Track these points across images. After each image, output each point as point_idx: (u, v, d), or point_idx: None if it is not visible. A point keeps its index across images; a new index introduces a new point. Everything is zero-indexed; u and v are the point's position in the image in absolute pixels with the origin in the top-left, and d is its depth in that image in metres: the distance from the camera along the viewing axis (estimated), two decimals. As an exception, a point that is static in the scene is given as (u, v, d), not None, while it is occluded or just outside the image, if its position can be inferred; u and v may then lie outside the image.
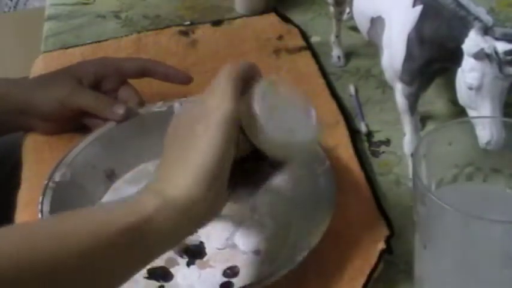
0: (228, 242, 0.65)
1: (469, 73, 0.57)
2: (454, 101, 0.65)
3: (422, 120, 0.74)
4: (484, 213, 0.46)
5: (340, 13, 0.85)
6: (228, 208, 0.67)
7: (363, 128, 0.78)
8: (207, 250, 0.65)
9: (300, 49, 0.90)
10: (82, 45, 0.93)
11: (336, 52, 0.88)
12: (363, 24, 0.71)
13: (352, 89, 0.83)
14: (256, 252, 0.64)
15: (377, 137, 0.77)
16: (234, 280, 0.62)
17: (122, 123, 0.73)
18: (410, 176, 0.67)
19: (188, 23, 0.97)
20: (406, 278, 0.60)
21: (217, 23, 0.97)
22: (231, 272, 0.62)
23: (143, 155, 0.71)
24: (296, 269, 0.58)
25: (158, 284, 0.62)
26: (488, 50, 0.55)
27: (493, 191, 0.54)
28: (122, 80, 0.78)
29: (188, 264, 0.63)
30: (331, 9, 0.85)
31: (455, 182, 0.54)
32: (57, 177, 0.67)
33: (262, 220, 0.67)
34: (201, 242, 0.65)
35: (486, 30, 0.57)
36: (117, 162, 0.72)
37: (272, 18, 0.97)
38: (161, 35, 0.94)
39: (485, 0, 0.88)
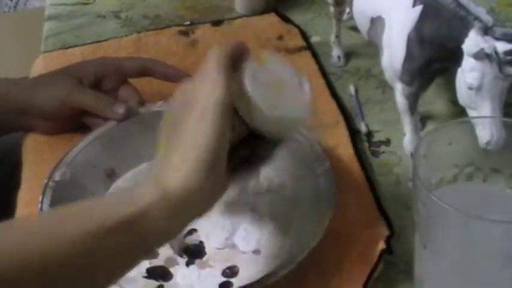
0: (227, 241, 0.65)
1: (469, 73, 0.57)
2: (454, 101, 0.65)
3: (422, 120, 0.74)
4: (484, 213, 0.46)
5: (340, 13, 0.85)
6: (228, 208, 0.68)
7: (363, 128, 0.78)
8: (206, 250, 0.65)
9: (300, 49, 0.90)
10: (82, 45, 0.93)
11: (336, 52, 0.88)
12: (363, 24, 0.71)
13: (352, 89, 0.83)
14: (256, 252, 0.64)
15: (377, 137, 0.77)
16: (233, 280, 0.62)
17: (122, 123, 0.73)
18: (410, 176, 0.66)
19: (188, 23, 0.97)
20: (406, 278, 0.60)
21: (217, 23, 0.97)
22: (231, 271, 0.62)
23: (143, 154, 0.71)
24: (296, 269, 0.58)
25: (157, 283, 0.62)
26: (488, 50, 0.55)
27: (493, 191, 0.54)
28: (122, 80, 0.78)
29: (188, 264, 0.63)
30: (331, 9, 0.85)
31: (455, 182, 0.54)
32: (57, 177, 0.67)
33: (262, 220, 0.67)
34: (201, 242, 0.65)
35: (486, 30, 0.57)
36: (117, 161, 0.72)
37: (272, 18, 0.97)
38: (161, 35, 0.94)
39: (485, 0, 0.88)
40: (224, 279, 0.62)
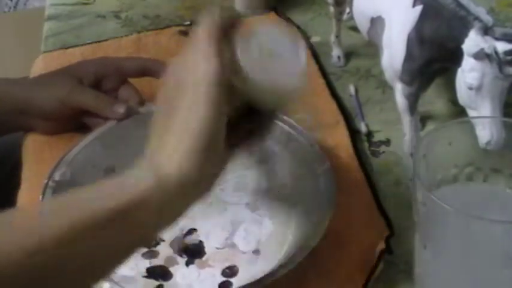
0: (227, 241, 0.65)
1: (469, 73, 0.57)
2: (454, 101, 0.65)
3: (422, 120, 0.74)
4: (484, 213, 0.46)
5: (340, 13, 0.85)
6: (228, 208, 0.68)
7: (363, 128, 0.78)
8: (206, 249, 0.65)
9: (300, 49, 0.90)
10: (82, 45, 0.93)
11: (336, 52, 0.88)
12: (363, 24, 0.71)
13: (352, 89, 0.83)
14: (256, 252, 0.64)
15: (377, 137, 0.77)
16: (233, 280, 0.62)
17: (123, 122, 0.73)
18: (410, 176, 0.67)
19: (188, 23, 0.97)
20: (406, 278, 0.60)
21: (217, 23, 0.97)
22: (230, 271, 0.62)
23: (143, 154, 0.71)
24: (296, 268, 0.58)
25: (157, 283, 0.62)
26: (488, 50, 0.55)
27: (493, 191, 0.54)
28: (122, 80, 0.78)
29: (187, 264, 0.63)
30: (331, 9, 0.85)
31: (455, 182, 0.54)
32: (57, 177, 0.67)
33: (261, 220, 0.67)
34: (201, 242, 0.65)
35: (486, 30, 0.57)
36: (117, 161, 0.71)
37: (272, 18, 0.97)
38: (161, 35, 0.94)
39: (485, 0, 0.88)
40: (224, 279, 0.62)
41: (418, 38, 0.62)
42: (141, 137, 0.72)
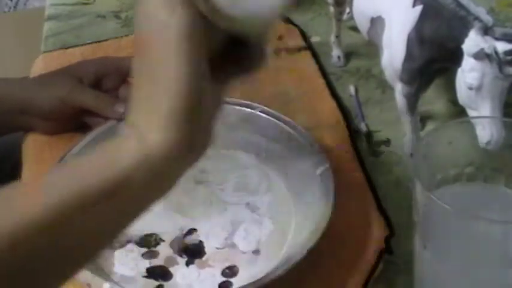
0: (227, 241, 0.65)
1: (469, 73, 0.57)
2: (454, 101, 0.65)
3: (422, 120, 0.74)
4: (484, 213, 0.46)
5: (340, 13, 0.85)
6: (228, 208, 0.68)
7: (363, 128, 0.78)
8: (206, 250, 0.65)
9: (300, 49, 0.90)
10: (82, 45, 0.93)
11: (336, 52, 0.88)
12: (363, 24, 0.71)
13: (352, 89, 0.83)
14: (256, 252, 0.64)
15: (377, 137, 0.77)
16: (233, 280, 0.62)
17: (123, 122, 0.73)
18: (411, 176, 0.66)
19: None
20: (406, 278, 0.60)
21: (217, 23, 0.97)
22: (230, 271, 0.62)
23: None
24: (296, 269, 0.58)
25: (157, 283, 0.62)
26: (488, 50, 0.55)
27: (493, 191, 0.54)
28: (122, 79, 0.78)
29: (187, 264, 0.63)
30: (331, 9, 0.85)
31: (455, 182, 0.54)
32: (57, 177, 0.67)
33: (261, 220, 0.67)
34: (201, 242, 0.65)
35: (486, 30, 0.57)
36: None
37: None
38: (161, 35, 0.94)
39: (485, 0, 0.88)
40: (224, 279, 0.62)
41: (418, 38, 0.62)
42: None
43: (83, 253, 0.46)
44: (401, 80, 0.65)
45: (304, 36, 0.93)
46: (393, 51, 0.65)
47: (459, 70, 0.59)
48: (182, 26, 0.42)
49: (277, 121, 0.71)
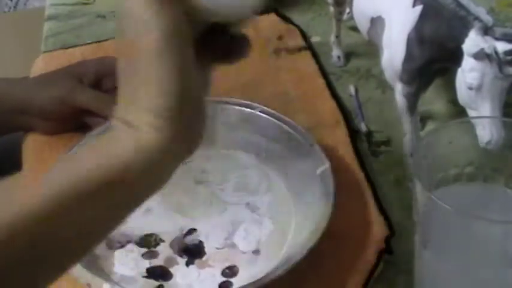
0: (227, 241, 0.65)
1: (469, 73, 0.57)
2: (454, 101, 0.65)
3: (422, 120, 0.74)
4: (484, 213, 0.46)
5: (340, 13, 0.85)
6: (228, 208, 0.68)
7: (363, 128, 0.78)
8: (206, 250, 0.65)
9: (300, 49, 0.90)
10: (82, 45, 0.93)
11: (336, 52, 0.88)
12: (362, 24, 0.71)
13: (352, 89, 0.83)
14: (256, 252, 0.64)
15: (377, 137, 0.77)
16: (233, 280, 0.62)
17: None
18: (411, 176, 0.67)
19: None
20: (406, 278, 0.60)
21: (217, 23, 0.97)
22: (230, 271, 0.62)
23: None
24: (296, 269, 0.58)
25: (157, 283, 0.62)
26: (488, 50, 0.55)
27: (493, 191, 0.54)
28: (122, 79, 0.78)
29: (187, 264, 0.63)
30: (331, 9, 0.85)
31: (455, 182, 0.54)
32: (57, 177, 0.67)
33: (261, 220, 0.67)
34: (201, 242, 0.65)
35: (486, 30, 0.57)
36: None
37: (272, 18, 0.97)
38: (161, 35, 0.94)
39: (485, 0, 0.88)
40: (224, 279, 0.62)
41: (418, 38, 0.62)
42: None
43: (81, 244, 0.46)
44: (401, 80, 0.65)
45: (304, 36, 0.93)
46: (393, 51, 0.65)
47: (459, 70, 0.59)
48: (168, 25, 0.43)
49: (277, 121, 0.71)
